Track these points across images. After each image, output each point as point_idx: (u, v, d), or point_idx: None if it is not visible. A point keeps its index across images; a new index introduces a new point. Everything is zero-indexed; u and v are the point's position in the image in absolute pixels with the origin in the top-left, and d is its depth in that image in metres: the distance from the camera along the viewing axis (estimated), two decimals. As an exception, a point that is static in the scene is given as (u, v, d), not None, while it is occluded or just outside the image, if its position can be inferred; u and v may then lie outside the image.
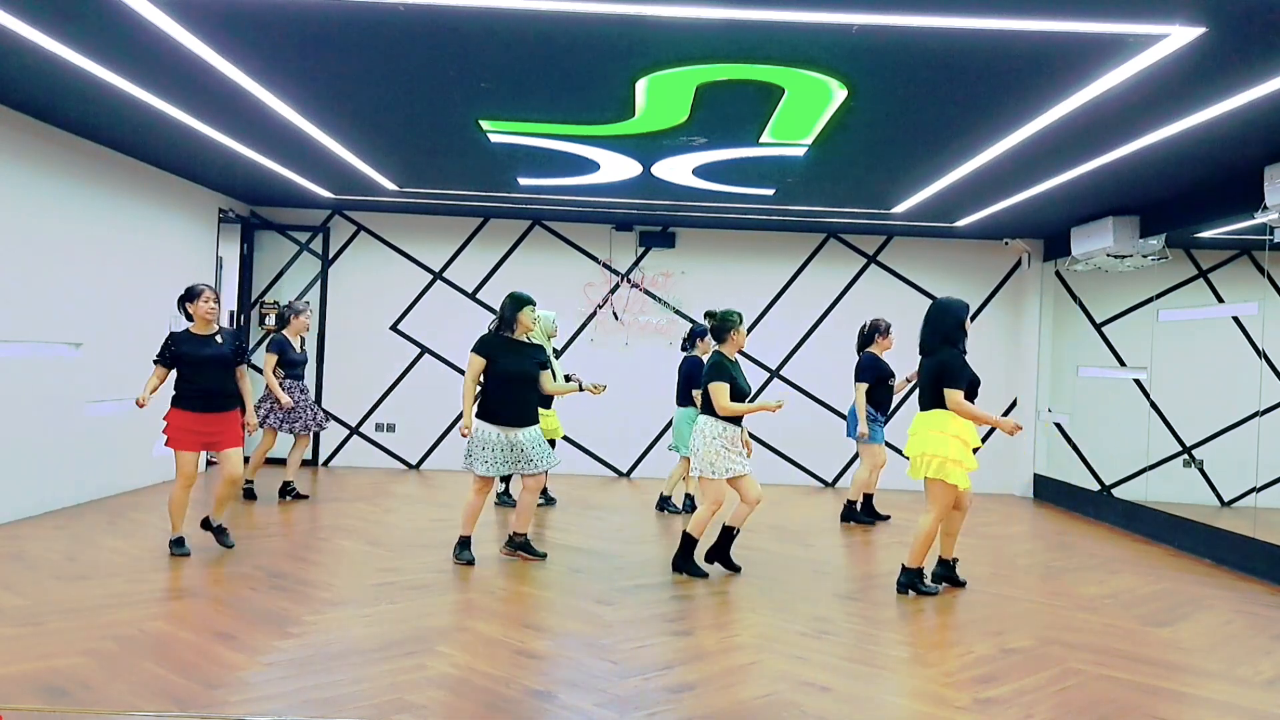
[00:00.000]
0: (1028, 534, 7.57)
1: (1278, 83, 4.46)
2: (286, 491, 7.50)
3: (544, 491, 7.68)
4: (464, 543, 5.64)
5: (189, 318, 5.44)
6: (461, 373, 9.82)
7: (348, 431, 9.78)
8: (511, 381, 5.51)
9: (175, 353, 5.35)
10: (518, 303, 5.62)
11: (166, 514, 6.87)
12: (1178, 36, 3.93)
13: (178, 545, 5.51)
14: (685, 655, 4.10)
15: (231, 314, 10.07)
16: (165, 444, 5.40)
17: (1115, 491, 8.33)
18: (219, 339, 5.45)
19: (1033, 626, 4.79)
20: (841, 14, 3.90)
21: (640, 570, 5.70)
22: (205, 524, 5.67)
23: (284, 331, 7.39)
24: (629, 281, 9.92)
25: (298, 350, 7.41)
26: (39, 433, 6.54)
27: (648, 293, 9.88)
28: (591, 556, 5.90)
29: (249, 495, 7.44)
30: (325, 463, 9.79)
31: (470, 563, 5.57)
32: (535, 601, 4.89)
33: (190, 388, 5.36)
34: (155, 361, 5.42)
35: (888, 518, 7.72)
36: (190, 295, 5.39)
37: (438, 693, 3.53)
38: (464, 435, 5.51)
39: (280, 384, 7.22)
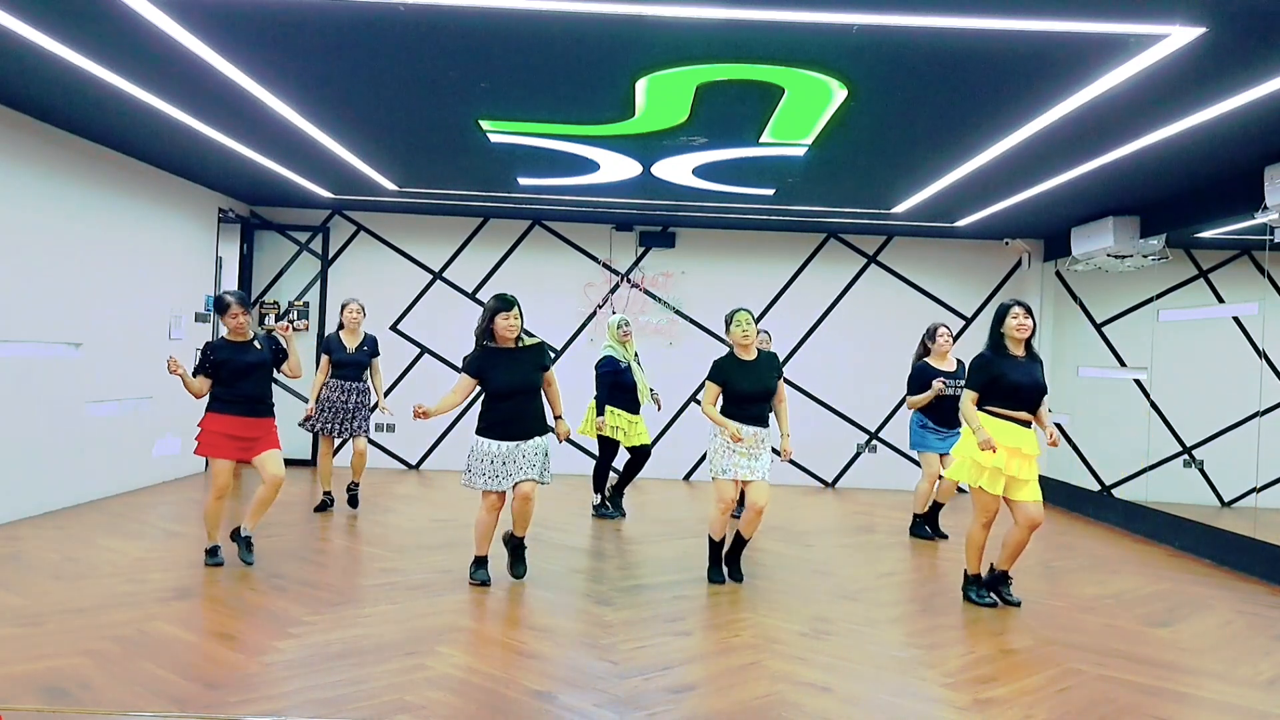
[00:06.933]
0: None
1: (1278, 83, 4.46)
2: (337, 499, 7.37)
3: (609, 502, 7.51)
4: (484, 561, 5.25)
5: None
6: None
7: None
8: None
9: (215, 361, 5.24)
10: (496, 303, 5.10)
11: (171, 515, 6.92)
12: (1178, 36, 3.93)
13: (211, 555, 5.33)
14: (685, 655, 4.10)
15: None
16: (197, 452, 5.25)
17: (1115, 492, 8.33)
18: (257, 344, 5.37)
19: (1033, 626, 4.79)
20: (841, 14, 3.90)
21: (640, 570, 5.70)
22: (234, 534, 5.49)
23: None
24: (629, 281, 9.92)
25: (349, 349, 7.03)
26: (39, 433, 6.54)
27: (648, 293, 9.88)
28: (592, 556, 5.90)
29: (354, 500, 7.22)
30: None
31: (487, 582, 5.19)
32: (535, 601, 4.88)
33: (232, 393, 5.24)
34: (195, 374, 5.26)
35: (945, 536, 7.10)
36: (219, 308, 5.28)
37: (438, 693, 3.53)
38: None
39: (325, 385, 7.00)
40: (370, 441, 9.78)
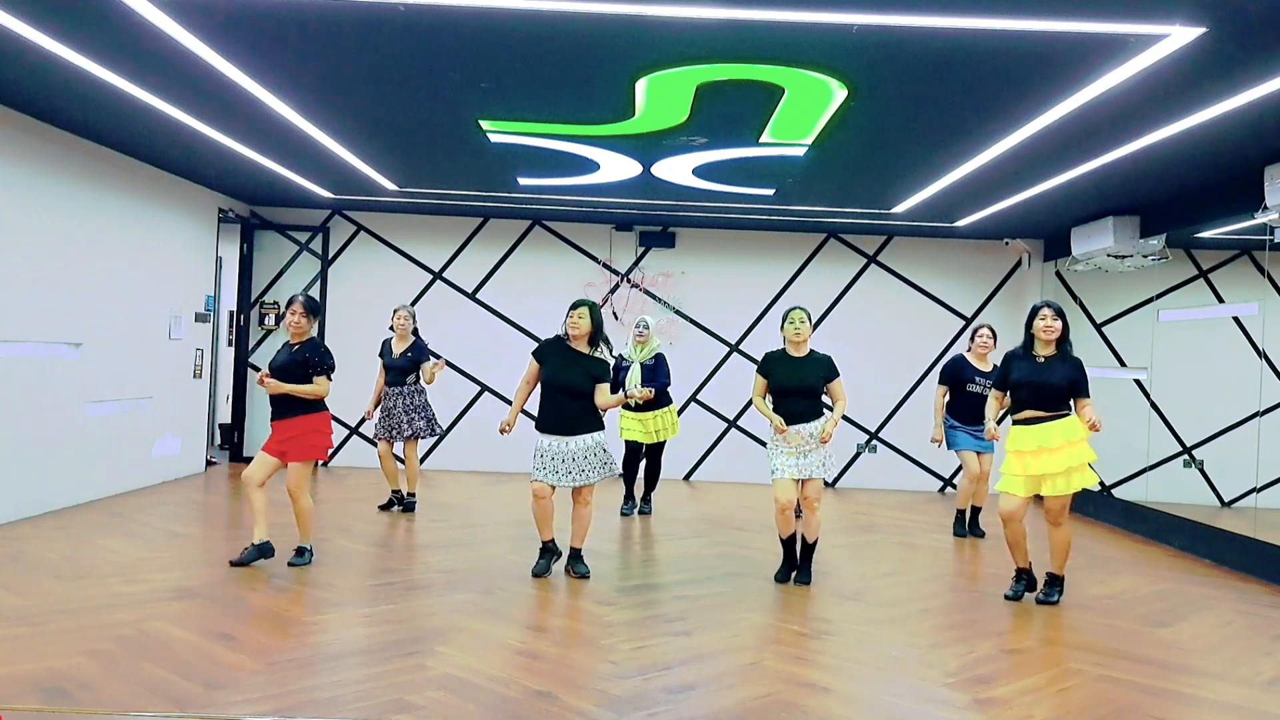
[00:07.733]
0: (1028, 534, 7.56)
1: (1278, 83, 4.46)
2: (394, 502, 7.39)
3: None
4: (543, 548, 5.38)
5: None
6: (462, 373, 9.84)
7: (347, 431, 9.78)
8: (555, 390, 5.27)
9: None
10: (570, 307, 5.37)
11: (171, 515, 6.92)
12: (1178, 36, 3.93)
13: (240, 555, 5.31)
14: (685, 655, 4.10)
15: (231, 314, 10.08)
16: None
17: (1115, 492, 8.33)
18: (294, 348, 5.36)
19: (1033, 626, 4.79)
20: (841, 14, 3.89)
21: (640, 570, 5.70)
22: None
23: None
24: (629, 281, 9.92)
25: (395, 354, 7.11)
26: (39, 433, 6.54)
27: (648, 293, 9.88)
28: (591, 556, 5.89)
29: (408, 508, 7.30)
30: (325, 463, 9.79)
31: (542, 574, 5.32)
32: (535, 601, 4.88)
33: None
34: None
35: (983, 534, 7.17)
36: (288, 304, 5.40)
37: (438, 693, 3.53)
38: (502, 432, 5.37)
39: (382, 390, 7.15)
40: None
